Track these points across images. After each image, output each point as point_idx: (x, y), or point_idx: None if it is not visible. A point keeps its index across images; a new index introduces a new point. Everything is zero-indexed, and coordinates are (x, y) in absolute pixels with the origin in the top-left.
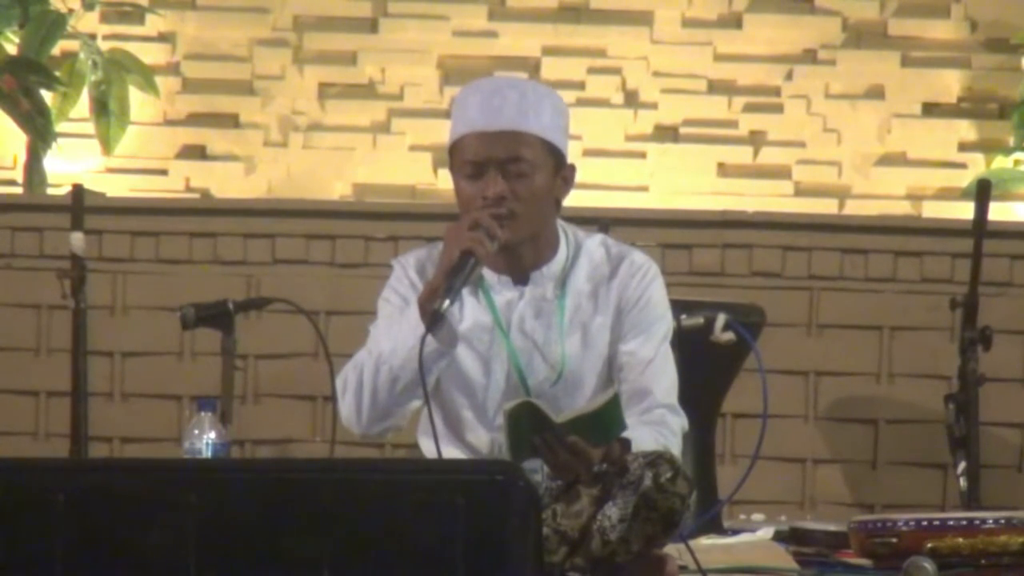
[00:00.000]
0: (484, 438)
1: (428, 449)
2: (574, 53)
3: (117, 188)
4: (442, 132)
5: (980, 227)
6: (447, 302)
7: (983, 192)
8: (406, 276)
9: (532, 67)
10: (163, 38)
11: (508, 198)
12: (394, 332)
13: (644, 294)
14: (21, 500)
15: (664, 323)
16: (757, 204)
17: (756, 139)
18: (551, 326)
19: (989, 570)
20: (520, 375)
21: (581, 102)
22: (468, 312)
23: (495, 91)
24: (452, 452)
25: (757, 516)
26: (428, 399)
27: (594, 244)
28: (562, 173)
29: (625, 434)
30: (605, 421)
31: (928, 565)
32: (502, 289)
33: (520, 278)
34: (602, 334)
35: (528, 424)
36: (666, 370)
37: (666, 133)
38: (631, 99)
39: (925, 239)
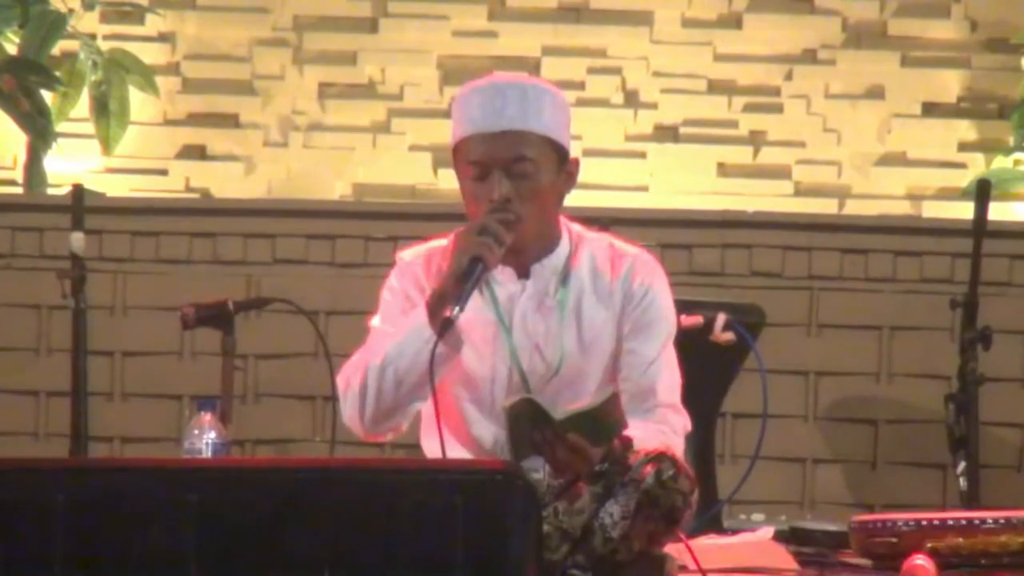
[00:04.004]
0: (487, 433)
1: (431, 451)
2: (574, 53)
3: (117, 188)
4: (442, 132)
5: (980, 227)
6: (457, 309)
7: (983, 192)
8: (411, 273)
9: (532, 67)
10: (163, 38)
11: (514, 200)
12: (399, 334)
13: (648, 293)
14: (21, 501)
15: (667, 323)
16: (757, 204)
17: (756, 139)
18: (551, 321)
19: (989, 570)
20: (520, 370)
21: (581, 102)
22: (470, 306)
23: (496, 91)
24: (456, 448)
25: (757, 516)
26: (437, 402)
27: (598, 241)
28: (566, 168)
29: (627, 432)
30: (602, 419)
31: (928, 565)
32: (505, 282)
33: (522, 271)
34: (605, 331)
35: (528, 420)
36: (669, 369)
37: (666, 133)
38: (631, 99)
39: (925, 239)
